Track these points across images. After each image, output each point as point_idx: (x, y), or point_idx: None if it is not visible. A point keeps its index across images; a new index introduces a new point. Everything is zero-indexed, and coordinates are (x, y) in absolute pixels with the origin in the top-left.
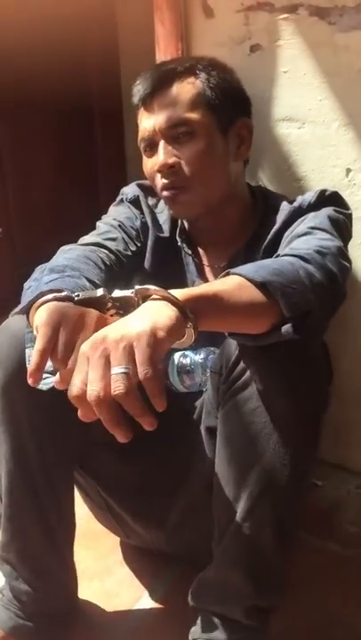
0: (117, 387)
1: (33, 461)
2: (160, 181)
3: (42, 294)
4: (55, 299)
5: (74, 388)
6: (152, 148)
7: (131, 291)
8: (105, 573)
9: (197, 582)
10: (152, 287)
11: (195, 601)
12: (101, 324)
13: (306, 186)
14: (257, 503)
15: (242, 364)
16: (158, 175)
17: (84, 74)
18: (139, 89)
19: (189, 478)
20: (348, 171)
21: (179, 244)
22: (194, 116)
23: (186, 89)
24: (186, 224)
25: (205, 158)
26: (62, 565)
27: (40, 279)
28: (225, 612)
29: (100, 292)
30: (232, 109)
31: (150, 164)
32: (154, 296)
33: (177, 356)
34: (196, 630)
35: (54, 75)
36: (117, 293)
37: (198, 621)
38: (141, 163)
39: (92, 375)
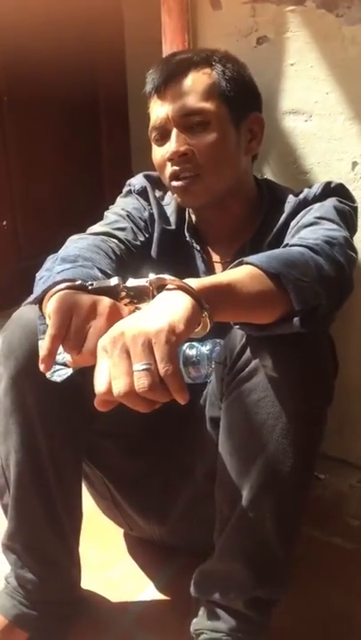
0: (141, 383)
1: (42, 452)
2: (170, 169)
3: (55, 284)
4: (69, 287)
5: (100, 386)
6: (163, 137)
7: (145, 280)
8: (109, 565)
9: (199, 573)
10: (167, 277)
11: (196, 591)
12: (114, 311)
13: (312, 179)
14: (259, 494)
15: (246, 355)
16: (168, 164)
17: (89, 67)
18: (153, 77)
19: (193, 470)
20: (355, 164)
21: (187, 238)
22: (208, 106)
23: (201, 79)
24: (193, 217)
25: (218, 149)
26: (68, 555)
27: (52, 269)
28: (226, 603)
29: (114, 281)
30: (245, 103)
31: (161, 152)
32: (169, 286)
33: (183, 347)
34: (197, 621)
35: (60, 68)
36: (132, 283)
37: (200, 612)
38: (146, 155)
39: (116, 371)
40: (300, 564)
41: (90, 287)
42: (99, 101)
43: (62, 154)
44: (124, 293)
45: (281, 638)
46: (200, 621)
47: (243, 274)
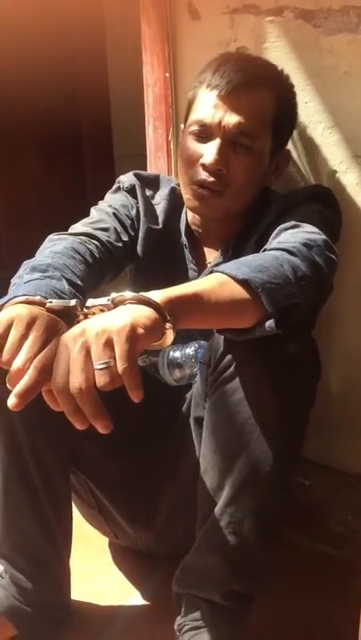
0: (103, 381)
1: (27, 457)
2: (201, 174)
3: (14, 297)
4: (26, 301)
5: (56, 382)
6: (204, 135)
7: (107, 298)
8: (94, 575)
9: (180, 568)
10: (128, 294)
11: (177, 586)
12: (52, 328)
13: (291, 188)
14: (240, 491)
15: (230, 356)
16: (200, 167)
17: (71, 75)
18: (220, 74)
19: (179, 471)
20: (334, 172)
21: (185, 247)
22: (260, 133)
23: (264, 103)
24: (188, 218)
25: (250, 176)
26: (59, 561)
27: (22, 277)
28: (204, 595)
29: (73, 302)
30: (286, 138)
31: (195, 149)
32: (130, 301)
33: (168, 349)
34: (179, 617)
35: (41, 77)
36: (91, 302)
37: (182, 608)
38: (129, 163)
39: (74, 367)
40: (284, 569)
41: (48, 304)
42: (81, 110)
43: (45, 165)
44: (82, 317)
45: None
46: (182, 616)
47: (212, 282)
